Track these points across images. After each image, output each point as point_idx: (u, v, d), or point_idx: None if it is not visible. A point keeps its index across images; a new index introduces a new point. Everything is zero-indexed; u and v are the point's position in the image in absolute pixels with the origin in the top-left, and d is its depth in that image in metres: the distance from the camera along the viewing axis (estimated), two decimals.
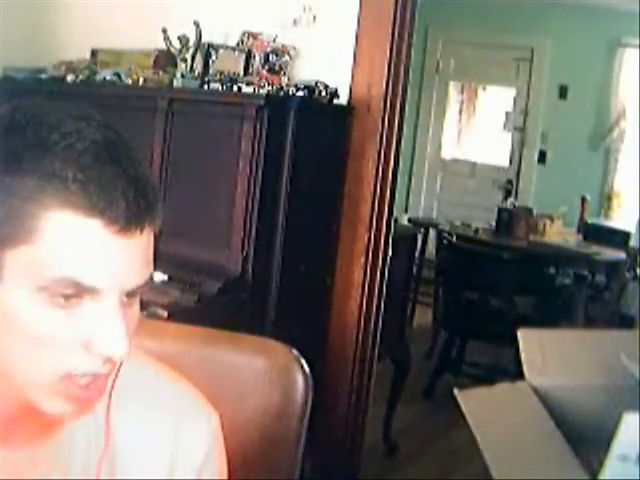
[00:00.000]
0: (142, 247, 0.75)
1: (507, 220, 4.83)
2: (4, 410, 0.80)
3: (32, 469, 0.83)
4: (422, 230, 5.15)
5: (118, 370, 0.82)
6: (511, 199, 5.88)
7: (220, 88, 2.46)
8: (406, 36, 2.60)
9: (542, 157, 6.77)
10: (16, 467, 0.82)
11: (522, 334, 1.53)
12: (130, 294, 0.76)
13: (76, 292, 0.73)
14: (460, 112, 7.38)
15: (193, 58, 2.54)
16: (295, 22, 2.67)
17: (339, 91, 2.56)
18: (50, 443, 0.84)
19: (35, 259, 0.71)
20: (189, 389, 0.96)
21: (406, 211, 6.38)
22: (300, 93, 2.44)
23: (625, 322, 4.73)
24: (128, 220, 0.72)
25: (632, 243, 4.95)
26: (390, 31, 2.56)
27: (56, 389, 0.76)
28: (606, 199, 6.52)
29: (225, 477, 0.97)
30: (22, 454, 0.83)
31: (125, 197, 0.72)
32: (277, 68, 2.62)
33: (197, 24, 2.50)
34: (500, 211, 4.96)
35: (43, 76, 2.74)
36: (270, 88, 2.43)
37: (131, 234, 0.73)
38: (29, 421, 0.81)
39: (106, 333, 0.74)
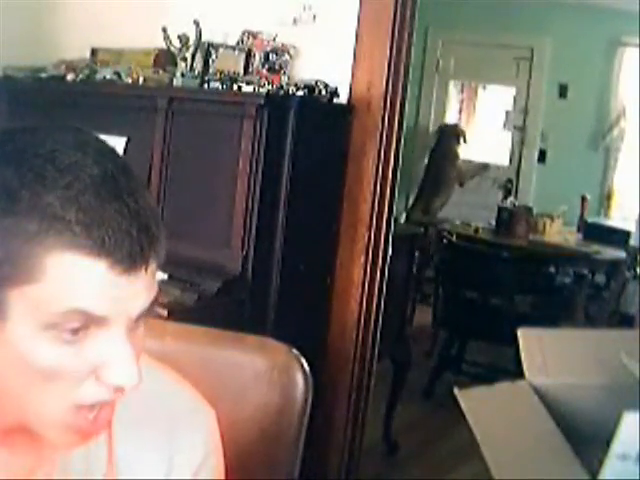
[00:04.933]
0: (147, 279, 0.75)
1: (507, 219, 4.83)
2: (3, 420, 0.80)
3: (34, 469, 0.83)
4: (422, 229, 5.14)
5: None
6: (511, 198, 5.86)
7: (220, 87, 2.46)
8: (406, 35, 2.60)
9: (542, 156, 6.77)
10: (17, 467, 0.82)
11: (522, 333, 1.53)
12: (136, 319, 0.76)
13: (83, 324, 0.72)
14: (460, 111, 7.39)
15: (193, 57, 2.54)
16: (295, 21, 2.67)
17: (339, 90, 2.56)
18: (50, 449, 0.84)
19: (40, 296, 0.70)
20: (185, 388, 0.96)
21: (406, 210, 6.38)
22: (300, 92, 2.44)
23: (625, 321, 4.73)
24: (133, 260, 0.72)
25: (632, 242, 4.94)
26: (390, 30, 2.56)
27: (64, 423, 0.76)
28: (606, 198, 6.52)
29: (223, 475, 0.97)
30: (23, 455, 0.83)
31: (129, 236, 0.71)
32: (277, 67, 2.62)
33: (197, 23, 2.50)
34: (500, 210, 4.96)
35: (43, 75, 2.73)
36: (270, 87, 2.42)
37: (136, 272, 0.73)
38: (29, 434, 0.81)
39: (115, 364, 0.74)
